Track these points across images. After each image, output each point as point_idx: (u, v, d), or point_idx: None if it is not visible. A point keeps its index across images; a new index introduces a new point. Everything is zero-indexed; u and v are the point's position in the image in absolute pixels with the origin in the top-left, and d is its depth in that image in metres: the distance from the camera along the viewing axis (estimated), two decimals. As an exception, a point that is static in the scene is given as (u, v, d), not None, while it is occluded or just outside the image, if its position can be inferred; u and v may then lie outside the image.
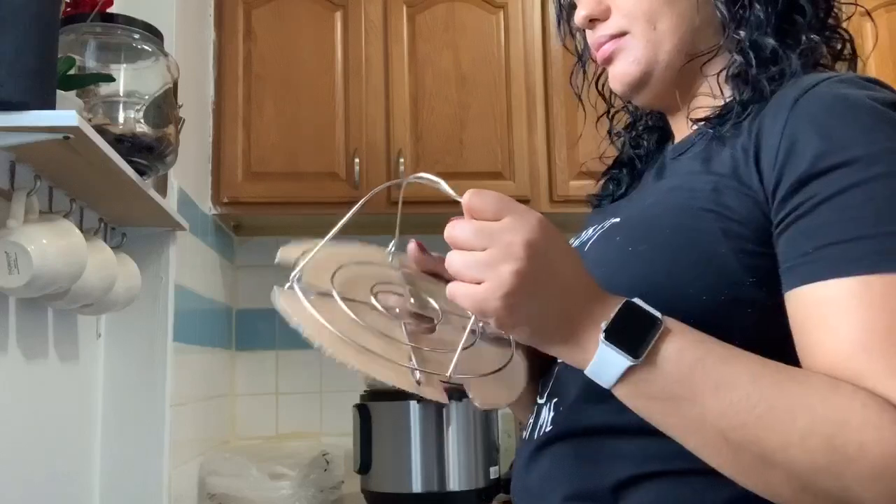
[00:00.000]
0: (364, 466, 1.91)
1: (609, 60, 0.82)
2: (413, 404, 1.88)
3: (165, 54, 1.36)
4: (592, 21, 0.81)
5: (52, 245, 1.08)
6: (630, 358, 0.57)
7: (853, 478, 0.54)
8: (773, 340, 0.62)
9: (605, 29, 0.80)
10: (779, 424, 0.55)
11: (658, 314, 0.59)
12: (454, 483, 1.87)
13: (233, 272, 2.36)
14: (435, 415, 1.88)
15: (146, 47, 1.33)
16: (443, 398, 0.65)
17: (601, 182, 0.96)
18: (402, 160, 2.11)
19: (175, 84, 1.38)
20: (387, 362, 0.64)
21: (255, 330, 2.39)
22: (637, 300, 0.60)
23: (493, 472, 1.94)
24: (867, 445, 0.54)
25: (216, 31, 2.15)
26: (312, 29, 2.17)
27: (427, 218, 2.27)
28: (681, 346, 0.58)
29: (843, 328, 0.58)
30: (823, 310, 0.59)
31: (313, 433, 2.30)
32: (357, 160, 2.10)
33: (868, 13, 0.91)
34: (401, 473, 1.88)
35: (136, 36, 1.31)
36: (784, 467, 0.56)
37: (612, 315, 0.58)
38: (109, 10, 1.31)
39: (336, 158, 2.12)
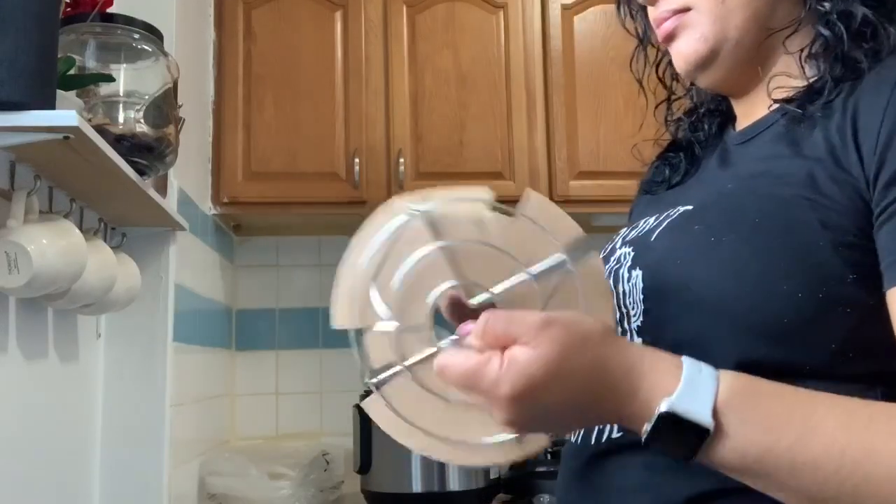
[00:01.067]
0: (364, 466, 1.91)
1: (671, 38, 0.73)
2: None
3: (165, 54, 1.36)
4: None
5: (52, 245, 1.08)
6: (700, 405, 0.51)
7: None
8: (874, 343, 0.57)
9: (667, 4, 0.73)
10: (878, 492, 0.49)
11: (705, 421, 0.51)
12: (454, 483, 1.87)
13: (233, 272, 2.36)
14: (435, 415, 1.88)
15: (146, 47, 1.33)
16: (546, 443, 0.58)
17: (654, 166, 0.86)
18: (402, 160, 2.11)
19: (175, 84, 1.38)
20: (477, 446, 0.56)
21: (255, 330, 2.39)
22: (677, 405, 0.51)
23: (493, 472, 1.94)
24: None
25: (216, 31, 2.15)
26: (312, 29, 2.17)
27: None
28: (737, 444, 0.51)
29: None
30: None
31: (313, 433, 2.30)
32: (357, 160, 2.10)
33: None
34: (401, 473, 1.88)
35: (136, 36, 1.31)
36: None
37: (649, 428, 0.52)
38: (109, 10, 1.31)
39: (336, 158, 2.12)
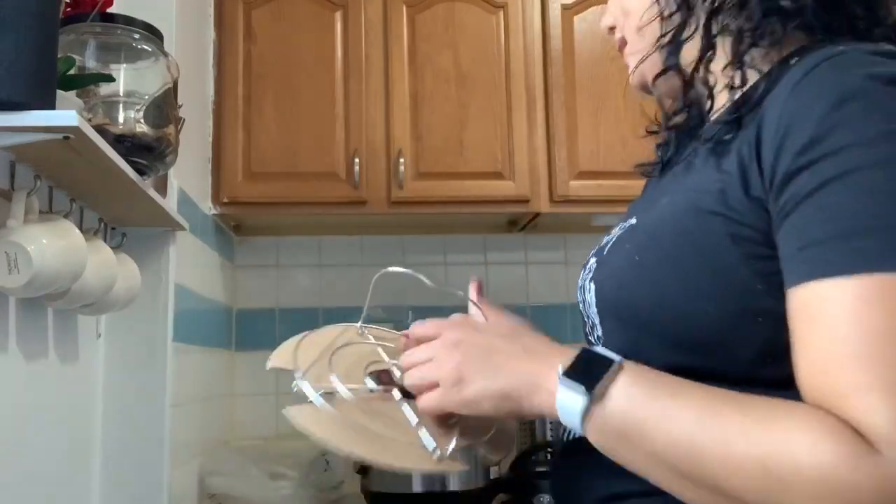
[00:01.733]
0: (364, 466, 1.91)
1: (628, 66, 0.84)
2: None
3: (165, 54, 1.36)
4: (611, 29, 0.85)
5: (52, 245, 1.08)
6: (584, 393, 0.60)
7: (791, 502, 0.53)
8: (789, 348, 0.59)
9: (616, 34, 0.84)
10: (719, 455, 0.55)
11: (616, 357, 0.61)
12: (454, 483, 1.87)
13: (233, 272, 2.36)
14: (435, 415, 1.88)
15: (146, 47, 1.32)
16: (461, 467, 0.71)
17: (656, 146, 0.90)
18: (402, 160, 2.11)
19: (175, 84, 1.38)
20: (406, 453, 0.70)
21: (255, 330, 2.39)
22: (597, 348, 0.64)
23: (493, 472, 1.94)
24: (803, 469, 0.52)
25: (216, 31, 2.15)
26: (312, 29, 2.17)
27: (427, 218, 2.28)
28: (633, 382, 0.60)
29: (813, 339, 0.56)
30: (799, 316, 0.57)
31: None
32: (357, 160, 2.10)
33: None
34: (401, 473, 1.88)
35: (136, 36, 1.31)
36: (730, 495, 0.55)
37: (571, 360, 0.62)
38: (109, 10, 1.31)
39: (336, 158, 2.12)
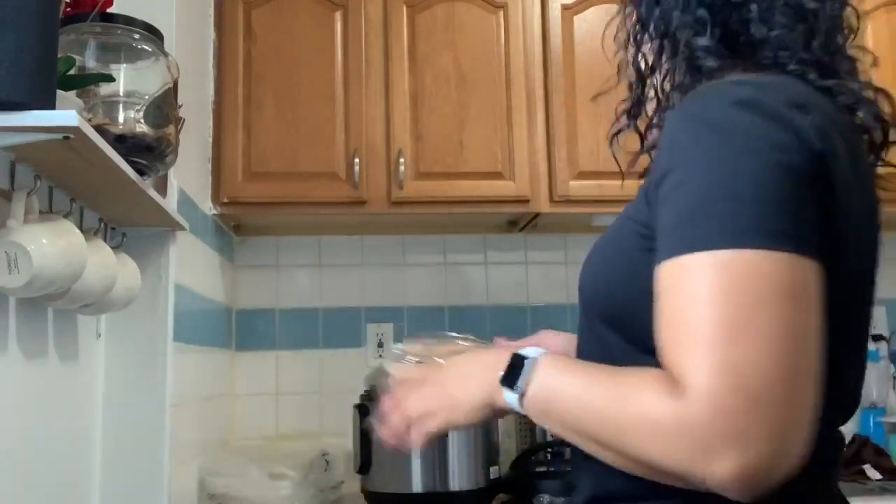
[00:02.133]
0: (364, 466, 1.91)
1: None
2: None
3: (165, 54, 1.36)
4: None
5: (52, 245, 1.08)
6: (513, 390, 0.77)
7: (643, 441, 0.66)
8: None
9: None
10: (600, 417, 0.70)
11: (531, 354, 0.78)
12: (454, 483, 1.87)
13: (233, 272, 2.36)
14: (435, 415, 1.88)
15: (146, 47, 1.33)
16: None
17: None
18: (402, 160, 2.11)
19: (175, 84, 1.38)
20: None
21: (255, 330, 2.39)
22: (520, 350, 0.79)
23: (493, 472, 1.94)
24: (648, 414, 0.66)
25: (216, 31, 2.15)
26: (312, 29, 2.17)
27: (427, 218, 2.28)
28: (544, 373, 0.76)
29: (661, 308, 0.70)
30: (657, 290, 0.71)
31: (313, 433, 2.30)
32: (357, 160, 2.10)
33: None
34: (401, 473, 1.88)
35: (136, 36, 1.31)
36: (615, 448, 0.70)
37: (503, 370, 0.79)
38: (109, 10, 1.31)
39: (336, 158, 2.12)
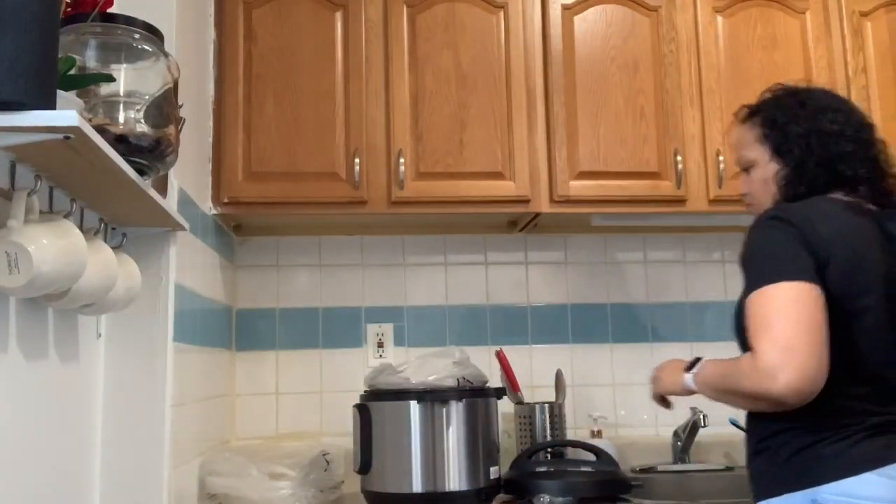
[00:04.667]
0: (364, 466, 1.91)
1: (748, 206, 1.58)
2: (413, 404, 1.88)
3: (166, 54, 1.36)
4: (745, 195, 1.57)
5: (53, 245, 1.08)
6: (691, 374, 1.43)
7: (742, 381, 1.28)
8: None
9: (745, 199, 1.58)
10: (727, 379, 1.34)
11: (701, 358, 1.46)
12: (454, 483, 1.87)
13: (233, 272, 2.36)
14: (435, 415, 1.88)
15: (146, 47, 1.33)
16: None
17: None
18: (402, 160, 2.11)
19: (175, 84, 1.38)
20: None
21: (255, 330, 2.39)
22: (699, 356, 1.47)
23: (493, 472, 1.94)
24: (743, 368, 1.28)
25: (216, 31, 2.15)
26: (312, 29, 2.17)
27: (427, 218, 2.28)
28: (704, 368, 1.42)
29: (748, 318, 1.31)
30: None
31: (313, 433, 2.30)
32: (357, 160, 2.11)
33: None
34: (401, 473, 1.88)
35: (137, 36, 1.31)
36: (736, 394, 1.33)
37: (688, 365, 1.46)
38: (109, 10, 1.31)
39: (336, 158, 2.12)
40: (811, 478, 1.27)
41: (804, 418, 1.28)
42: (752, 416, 1.41)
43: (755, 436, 1.39)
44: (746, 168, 1.53)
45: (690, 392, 1.43)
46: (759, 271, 1.29)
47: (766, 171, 1.48)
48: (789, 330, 1.21)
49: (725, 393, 1.34)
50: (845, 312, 1.28)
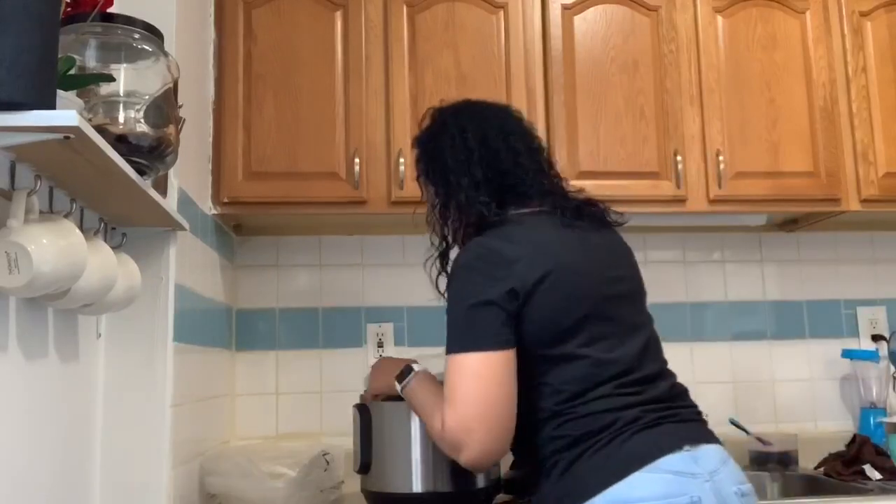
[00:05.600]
0: (364, 466, 1.91)
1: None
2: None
3: (166, 54, 1.36)
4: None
5: (53, 245, 1.08)
6: (399, 385, 1.50)
7: (434, 440, 1.37)
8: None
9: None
10: (424, 413, 1.42)
11: (414, 368, 1.50)
12: (454, 483, 1.87)
13: (233, 272, 2.36)
14: (435, 415, 1.88)
15: (146, 47, 1.33)
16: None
17: None
18: (402, 160, 2.11)
19: (175, 84, 1.38)
20: None
21: (255, 330, 2.39)
22: (413, 364, 1.52)
23: (493, 472, 1.94)
24: (429, 432, 1.39)
25: (216, 31, 2.15)
26: (312, 29, 2.17)
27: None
28: (415, 382, 1.49)
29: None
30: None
31: (313, 433, 2.30)
32: (357, 160, 2.11)
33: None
34: (401, 473, 1.88)
35: (137, 36, 1.31)
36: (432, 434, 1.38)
37: (398, 373, 1.51)
38: (109, 10, 1.31)
39: (336, 158, 2.12)
40: (580, 491, 1.22)
41: (568, 429, 1.27)
42: (524, 441, 1.34)
43: (537, 462, 1.33)
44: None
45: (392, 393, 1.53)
46: (450, 334, 1.33)
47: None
48: (469, 409, 1.26)
49: (424, 422, 1.43)
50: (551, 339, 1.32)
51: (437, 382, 1.41)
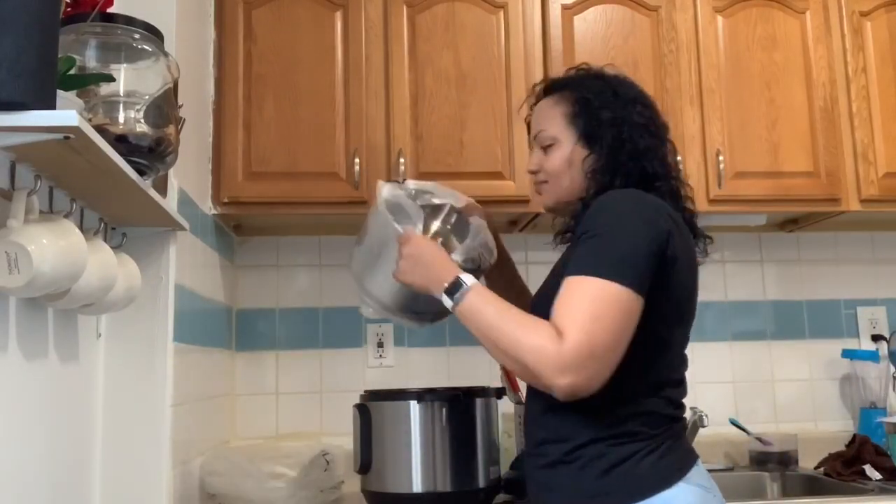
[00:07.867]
0: (364, 466, 1.91)
1: (537, 191, 1.52)
2: (413, 404, 1.88)
3: (165, 54, 1.36)
4: (534, 172, 1.47)
5: (53, 245, 1.08)
6: (452, 300, 1.28)
7: (529, 355, 1.18)
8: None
9: (538, 178, 1.47)
10: (503, 334, 1.22)
11: (468, 281, 1.28)
12: (454, 483, 1.87)
13: (233, 272, 2.36)
14: (435, 415, 1.88)
15: (146, 47, 1.33)
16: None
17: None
18: (402, 160, 2.11)
19: (175, 84, 1.38)
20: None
21: (255, 330, 2.39)
22: (461, 275, 1.30)
23: (493, 472, 1.94)
24: (530, 342, 1.18)
25: (216, 31, 2.15)
26: (312, 29, 2.17)
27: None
28: (474, 298, 1.27)
29: (560, 298, 1.20)
30: (561, 289, 1.22)
31: (313, 433, 2.30)
32: (357, 160, 2.11)
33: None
34: (401, 473, 1.88)
35: (137, 36, 1.31)
36: (506, 353, 1.22)
37: (449, 283, 1.29)
38: (109, 10, 1.31)
39: (336, 158, 2.12)
40: (628, 492, 1.21)
41: (618, 427, 1.24)
42: (554, 416, 1.29)
43: (565, 442, 1.27)
44: (546, 146, 1.43)
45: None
46: (598, 258, 1.20)
47: (572, 154, 1.38)
48: (603, 333, 1.15)
49: (488, 342, 1.23)
50: (667, 324, 1.28)
51: (501, 299, 1.26)
